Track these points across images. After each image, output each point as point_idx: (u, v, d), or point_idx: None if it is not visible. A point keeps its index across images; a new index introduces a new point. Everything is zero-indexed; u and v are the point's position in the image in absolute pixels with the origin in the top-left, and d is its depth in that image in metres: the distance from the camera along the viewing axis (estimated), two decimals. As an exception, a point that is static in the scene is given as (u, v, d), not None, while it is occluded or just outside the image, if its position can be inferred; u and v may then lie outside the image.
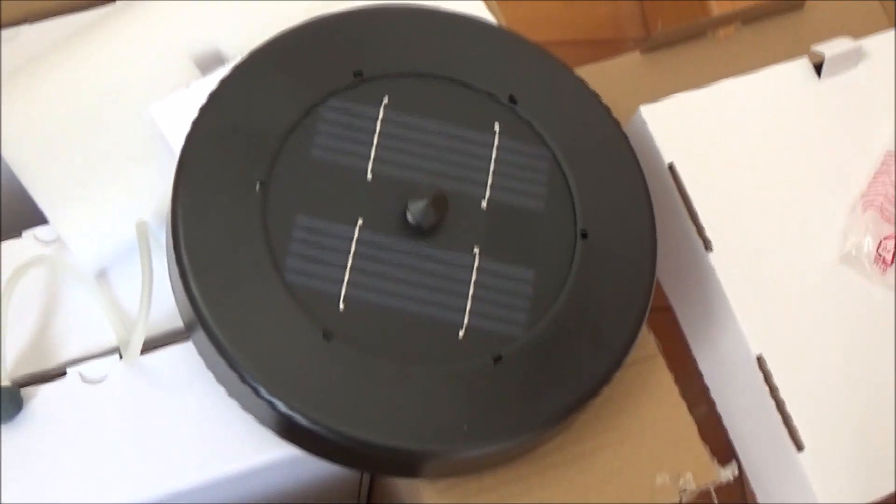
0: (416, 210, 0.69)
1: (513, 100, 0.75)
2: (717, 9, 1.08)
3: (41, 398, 0.70)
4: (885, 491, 0.76)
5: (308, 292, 0.67)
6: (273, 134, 0.71)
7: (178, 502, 0.71)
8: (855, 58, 0.85)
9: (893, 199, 0.81)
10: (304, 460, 0.69)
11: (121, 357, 0.72)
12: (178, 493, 0.69)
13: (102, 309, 0.72)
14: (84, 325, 0.72)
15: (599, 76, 0.86)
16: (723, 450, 0.82)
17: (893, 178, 0.82)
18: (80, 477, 0.68)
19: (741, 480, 0.81)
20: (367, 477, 0.85)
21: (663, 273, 0.84)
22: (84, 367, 0.71)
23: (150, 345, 0.72)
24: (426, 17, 0.77)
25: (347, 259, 0.69)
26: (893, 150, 0.83)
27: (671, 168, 0.81)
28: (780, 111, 0.84)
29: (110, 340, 0.72)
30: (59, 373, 0.71)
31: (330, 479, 0.79)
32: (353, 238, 0.69)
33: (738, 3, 1.08)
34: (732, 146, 0.82)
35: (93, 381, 0.71)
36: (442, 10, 0.78)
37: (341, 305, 0.68)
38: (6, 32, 0.80)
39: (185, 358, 0.71)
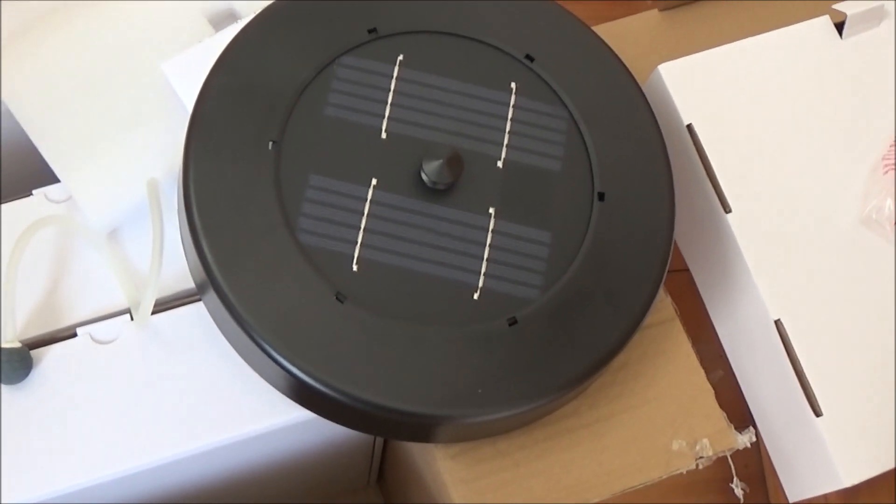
0: (431, 169, 0.68)
1: (530, 58, 0.74)
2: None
3: (51, 359, 0.69)
4: (905, 457, 0.75)
5: (321, 253, 0.67)
6: (286, 92, 0.69)
7: (189, 464, 0.70)
8: (877, 16, 0.84)
9: (915, 161, 0.80)
10: (316, 423, 0.69)
11: (132, 318, 0.71)
12: (189, 455, 0.69)
13: (113, 269, 0.71)
14: (95, 285, 0.72)
15: (617, 34, 0.84)
16: (739, 413, 0.82)
17: (915, 139, 0.81)
18: (89, 439, 0.68)
19: (758, 446, 0.80)
20: (380, 440, 0.84)
21: (681, 235, 0.83)
22: (94, 328, 0.70)
23: (162, 305, 0.71)
24: (441, -26, 0.75)
25: (361, 219, 0.68)
26: (916, 109, 0.82)
27: (690, 128, 0.79)
28: (800, 71, 0.83)
29: (121, 301, 0.71)
30: (69, 334, 0.70)
31: (343, 441, 0.78)
32: (366, 198, 0.68)
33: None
34: (752, 106, 0.81)
35: (103, 343, 0.70)
36: (458, -33, 0.76)
37: (355, 267, 0.67)
38: (15, -12, 0.79)
39: (197, 318, 0.71)
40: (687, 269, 0.84)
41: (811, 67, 0.83)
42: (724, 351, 0.83)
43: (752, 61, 0.82)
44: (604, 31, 0.83)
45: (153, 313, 0.70)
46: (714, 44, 0.83)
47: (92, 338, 0.70)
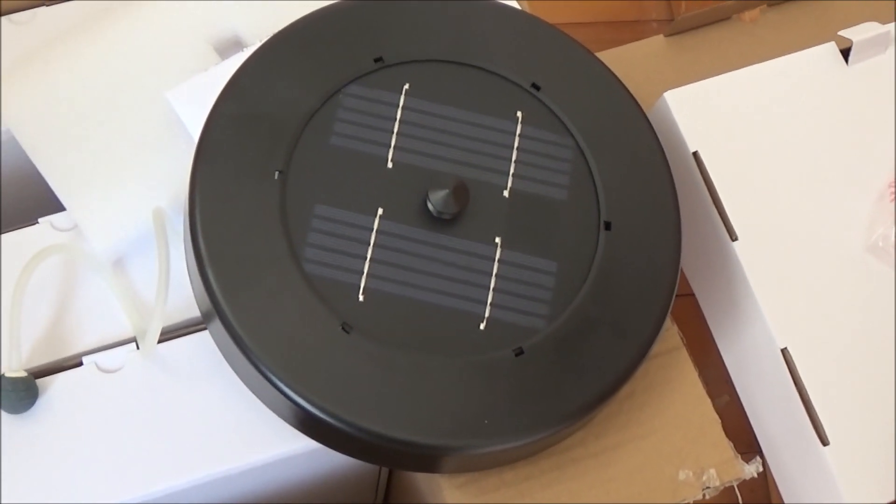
0: (437, 199, 0.68)
1: (536, 87, 0.74)
2: (742, -9, 1.06)
3: (57, 388, 0.69)
4: (912, 488, 0.75)
5: (327, 283, 0.66)
6: (292, 121, 0.69)
7: (194, 493, 0.70)
8: (883, 43, 0.84)
9: (921, 188, 0.80)
10: (322, 453, 0.69)
11: (137, 347, 0.71)
12: (194, 485, 0.69)
13: (119, 298, 0.71)
14: (101, 314, 0.72)
15: (623, 60, 0.85)
16: (746, 438, 0.82)
17: (921, 167, 0.81)
18: (95, 468, 0.68)
19: (764, 474, 0.80)
20: (385, 469, 0.84)
21: (687, 262, 0.83)
22: (100, 357, 0.70)
23: (168, 334, 0.71)
24: (448, 3, 0.75)
25: (367, 249, 0.68)
26: (922, 136, 0.82)
27: (696, 156, 0.79)
28: (806, 97, 0.83)
29: (127, 330, 0.71)
30: (75, 363, 0.70)
31: (349, 471, 0.78)
32: (373, 228, 0.68)
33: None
34: (758, 133, 0.81)
35: (109, 371, 0.70)
36: (464, -5, 0.76)
37: (361, 297, 0.67)
38: (21, 16, 0.79)
39: (203, 348, 0.71)
40: (693, 294, 0.84)
41: (817, 94, 0.83)
42: (730, 374, 0.83)
43: (758, 88, 0.82)
44: (609, 56, 0.83)
45: (159, 342, 0.70)
46: (720, 70, 0.83)
47: (97, 367, 0.70)
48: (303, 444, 0.69)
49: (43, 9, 0.80)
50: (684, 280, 0.84)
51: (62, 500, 0.67)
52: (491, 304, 0.68)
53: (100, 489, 0.67)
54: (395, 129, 0.71)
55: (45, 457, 0.68)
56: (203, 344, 0.71)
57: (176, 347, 0.71)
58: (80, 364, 0.70)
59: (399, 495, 0.86)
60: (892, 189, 0.80)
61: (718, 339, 0.83)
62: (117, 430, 0.69)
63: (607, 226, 0.71)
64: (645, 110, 0.78)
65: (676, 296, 0.74)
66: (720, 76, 0.82)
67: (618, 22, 1.18)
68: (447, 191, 0.68)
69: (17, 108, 0.74)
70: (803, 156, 0.81)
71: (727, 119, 0.81)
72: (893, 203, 0.80)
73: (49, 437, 0.68)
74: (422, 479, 0.74)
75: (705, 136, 0.80)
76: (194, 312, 0.71)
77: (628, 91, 0.76)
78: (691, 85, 0.82)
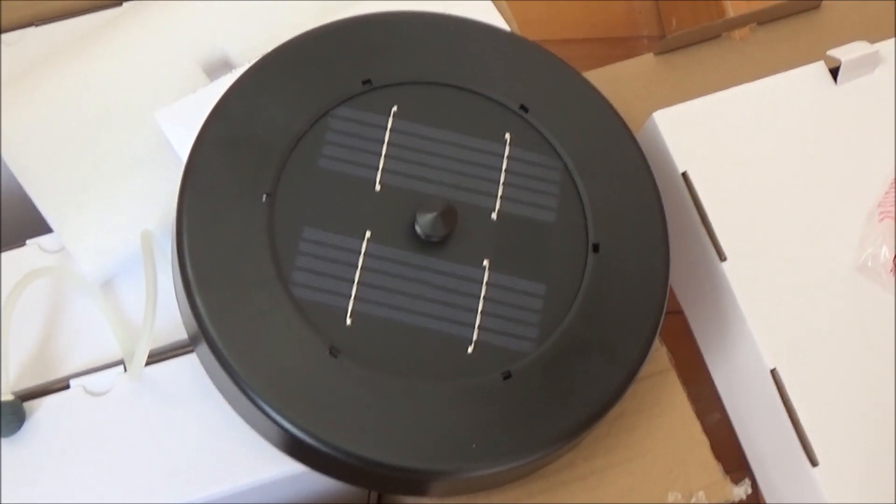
0: (424, 222, 0.68)
1: (524, 108, 0.74)
2: (732, 9, 1.07)
3: (44, 411, 0.69)
4: (901, 509, 0.75)
5: (315, 307, 0.66)
6: (280, 143, 0.69)
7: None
8: (871, 62, 0.84)
9: (911, 207, 0.80)
10: (310, 476, 0.68)
11: (125, 369, 0.71)
12: (181, 508, 0.69)
13: (107, 320, 0.71)
14: (88, 336, 0.72)
15: (612, 79, 0.85)
16: (737, 456, 0.82)
17: (911, 186, 0.81)
18: (83, 492, 0.68)
19: (756, 494, 0.80)
20: (374, 494, 0.84)
21: (677, 282, 0.83)
22: (88, 380, 0.70)
23: (156, 356, 0.71)
24: (436, 24, 0.75)
25: (355, 272, 0.68)
26: (912, 155, 0.82)
27: (685, 176, 0.79)
28: (795, 117, 0.83)
29: (115, 352, 0.71)
30: (62, 385, 0.70)
31: (337, 494, 0.78)
32: (360, 251, 0.68)
33: (753, 3, 1.06)
34: (747, 153, 0.81)
35: (97, 394, 0.70)
36: (452, 17, 0.76)
37: (348, 320, 0.67)
38: (10, 36, 0.79)
39: (191, 370, 0.70)
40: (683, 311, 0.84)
41: (806, 114, 0.83)
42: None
43: (747, 108, 0.82)
44: (599, 75, 0.83)
45: (148, 364, 0.70)
46: (709, 88, 0.83)
47: (85, 389, 0.70)
48: (291, 467, 0.69)
49: (32, 29, 0.80)
50: (675, 299, 0.84)
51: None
52: (479, 327, 0.68)
53: (87, 513, 0.67)
54: (384, 152, 0.71)
55: (32, 481, 0.67)
56: (191, 367, 0.70)
57: (164, 370, 0.71)
58: (68, 387, 0.70)
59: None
60: (881, 209, 0.80)
61: (708, 358, 0.83)
62: (105, 453, 0.68)
63: (595, 248, 0.71)
64: (635, 129, 0.78)
65: (669, 313, 0.74)
66: (709, 96, 0.82)
67: (609, 38, 1.18)
68: (435, 213, 0.68)
69: (5, 129, 0.74)
70: (792, 176, 0.81)
71: (716, 139, 0.81)
72: (882, 223, 0.80)
73: (36, 461, 0.68)
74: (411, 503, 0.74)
75: (694, 155, 0.80)
76: (183, 334, 0.71)
77: (616, 112, 0.76)
78: (680, 105, 0.82)
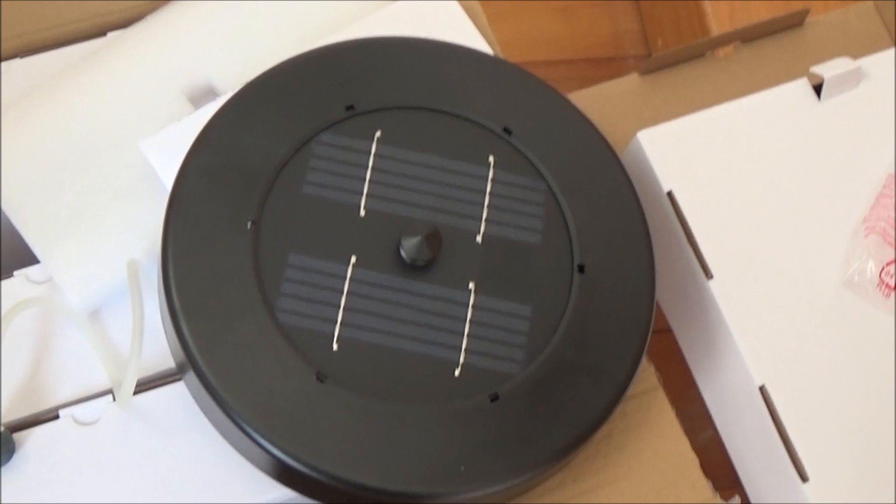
0: (409, 246, 0.69)
1: (507, 131, 0.74)
2: (715, 27, 1.07)
3: (34, 442, 0.69)
4: (891, 523, 0.75)
5: (301, 333, 0.67)
6: (264, 171, 0.70)
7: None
8: (855, 78, 0.84)
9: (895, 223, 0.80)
10: (301, 502, 0.68)
11: (114, 398, 0.71)
12: (173, 537, 0.69)
13: (95, 349, 0.71)
14: (77, 366, 0.72)
15: (598, 99, 0.85)
16: (729, 473, 0.82)
17: (895, 201, 0.81)
18: (73, 522, 0.68)
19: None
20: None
21: (664, 301, 0.83)
22: (77, 410, 0.70)
23: (145, 385, 0.71)
24: (418, 49, 0.76)
25: (341, 298, 0.68)
26: (894, 172, 0.82)
27: (670, 195, 0.79)
28: (779, 134, 0.83)
29: (104, 381, 0.71)
30: (51, 416, 0.70)
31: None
32: (346, 276, 0.68)
33: (737, 21, 1.07)
34: (732, 171, 0.81)
35: (86, 424, 0.70)
36: (434, 42, 0.77)
37: (335, 346, 0.67)
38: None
39: (180, 399, 0.70)
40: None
41: (790, 130, 0.83)
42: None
43: (731, 126, 0.83)
44: (584, 96, 0.84)
45: (136, 393, 0.70)
46: (694, 106, 0.83)
47: (74, 419, 0.70)
48: (280, 493, 0.69)
49: (17, 60, 0.80)
50: (664, 317, 0.85)
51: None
52: (466, 349, 0.68)
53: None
54: (368, 177, 0.71)
55: (22, 512, 0.68)
56: (180, 395, 0.70)
57: (153, 398, 0.71)
58: (57, 416, 0.70)
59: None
60: (867, 224, 0.81)
61: (697, 376, 0.83)
62: (95, 483, 0.68)
63: (581, 269, 0.71)
64: (621, 149, 0.78)
65: (658, 332, 0.74)
66: (693, 114, 0.83)
67: (595, 58, 1.19)
68: (420, 238, 0.69)
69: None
70: (778, 192, 0.81)
71: (701, 157, 0.81)
72: (868, 238, 0.80)
73: (26, 492, 0.68)
74: (401, 526, 0.74)
75: (679, 174, 0.80)
76: (172, 362, 0.71)
77: (600, 133, 0.77)
78: (664, 124, 0.82)
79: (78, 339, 0.72)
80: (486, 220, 0.72)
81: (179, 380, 0.71)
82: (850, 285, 0.79)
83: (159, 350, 0.71)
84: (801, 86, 0.84)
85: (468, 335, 0.68)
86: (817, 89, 0.84)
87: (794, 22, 0.90)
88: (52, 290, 0.73)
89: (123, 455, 0.69)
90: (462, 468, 0.65)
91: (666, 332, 0.84)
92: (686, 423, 0.76)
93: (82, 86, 0.77)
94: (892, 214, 0.80)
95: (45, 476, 0.68)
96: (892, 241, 0.80)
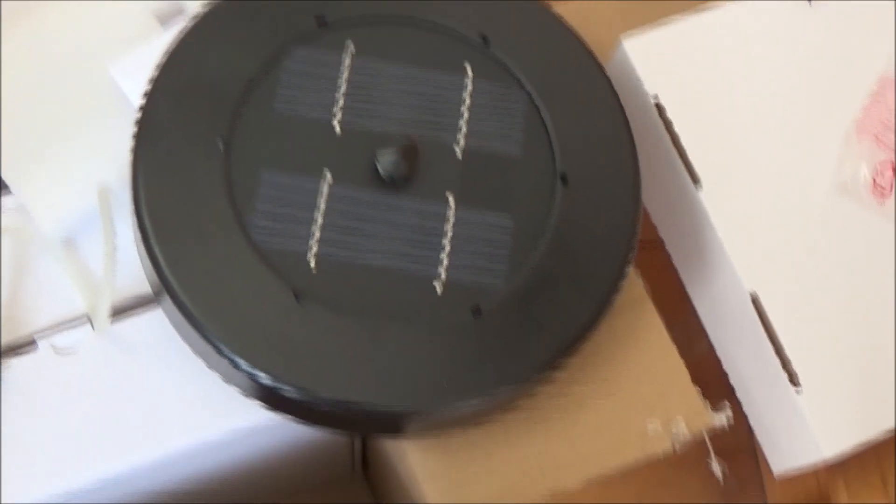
0: (385, 161, 0.67)
1: (485, 39, 0.72)
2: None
3: (13, 372, 0.68)
4: (885, 427, 0.73)
5: (277, 252, 0.65)
6: (233, 88, 0.68)
7: (158, 470, 0.69)
8: (846, -21, 0.82)
9: (891, 124, 0.78)
10: (285, 424, 0.68)
11: (92, 326, 0.70)
12: (158, 462, 0.68)
13: (71, 277, 0.70)
14: (53, 294, 0.70)
15: (580, 12, 0.83)
16: (725, 386, 0.81)
17: (890, 103, 0.79)
18: (54, 450, 0.67)
19: (741, 419, 0.79)
20: (359, 440, 0.83)
21: (654, 211, 0.82)
22: (56, 338, 0.69)
23: (124, 311, 0.70)
24: (390, -43, 0.73)
25: (317, 215, 0.66)
26: (890, 71, 0.80)
27: (656, 102, 0.78)
28: (768, 38, 0.81)
29: (81, 308, 0.70)
30: (29, 343, 0.69)
31: (318, 441, 0.77)
32: (322, 193, 0.67)
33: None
34: (720, 77, 0.79)
35: (65, 352, 0.69)
36: (407, -51, 0.74)
37: (312, 264, 0.66)
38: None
39: (158, 324, 0.69)
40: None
41: (780, 34, 0.81)
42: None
43: (719, 31, 0.81)
44: (566, 9, 0.81)
45: (115, 320, 0.69)
46: (680, 13, 0.81)
47: (53, 347, 0.69)
48: (264, 416, 0.68)
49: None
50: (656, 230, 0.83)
51: (24, 485, 0.66)
52: (447, 264, 0.67)
53: (60, 471, 0.66)
54: (342, 91, 0.69)
55: (3, 440, 0.67)
56: (159, 321, 0.69)
57: (131, 325, 0.70)
58: (34, 343, 0.69)
59: (374, 459, 0.85)
60: (859, 128, 0.79)
61: (689, 286, 0.82)
62: (75, 410, 0.68)
63: (563, 179, 0.70)
64: (607, 59, 0.76)
65: (652, 246, 0.72)
66: (680, 20, 0.81)
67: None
68: (396, 151, 0.67)
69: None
70: (768, 98, 0.79)
71: (688, 64, 0.79)
72: (860, 142, 0.78)
73: (6, 421, 0.67)
74: (389, 444, 0.73)
75: (666, 82, 0.78)
76: (149, 288, 0.70)
77: (582, 40, 0.74)
78: (650, 31, 0.80)
79: (54, 268, 0.71)
80: (464, 131, 0.70)
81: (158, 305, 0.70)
82: (843, 190, 0.78)
83: (137, 275, 0.70)
84: (791, -12, 0.82)
85: (449, 249, 0.67)
86: (807, -9, 0.82)
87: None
88: (24, 219, 0.71)
89: (104, 381, 0.68)
90: (445, 384, 0.64)
91: (662, 246, 0.82)
92: (681, 337, 0.74)
93: (49, 10, 0.75)
94: (887, 116, 0.78)
95: (25, 404, 0.68)
96: (888, 144, 0.78)
